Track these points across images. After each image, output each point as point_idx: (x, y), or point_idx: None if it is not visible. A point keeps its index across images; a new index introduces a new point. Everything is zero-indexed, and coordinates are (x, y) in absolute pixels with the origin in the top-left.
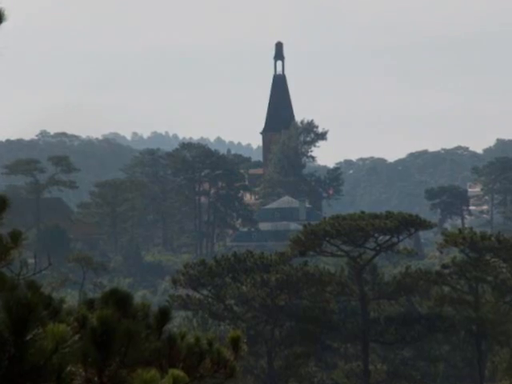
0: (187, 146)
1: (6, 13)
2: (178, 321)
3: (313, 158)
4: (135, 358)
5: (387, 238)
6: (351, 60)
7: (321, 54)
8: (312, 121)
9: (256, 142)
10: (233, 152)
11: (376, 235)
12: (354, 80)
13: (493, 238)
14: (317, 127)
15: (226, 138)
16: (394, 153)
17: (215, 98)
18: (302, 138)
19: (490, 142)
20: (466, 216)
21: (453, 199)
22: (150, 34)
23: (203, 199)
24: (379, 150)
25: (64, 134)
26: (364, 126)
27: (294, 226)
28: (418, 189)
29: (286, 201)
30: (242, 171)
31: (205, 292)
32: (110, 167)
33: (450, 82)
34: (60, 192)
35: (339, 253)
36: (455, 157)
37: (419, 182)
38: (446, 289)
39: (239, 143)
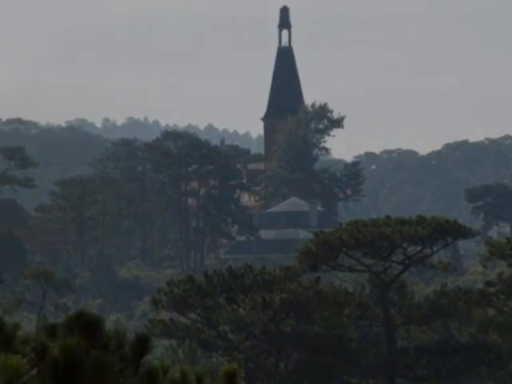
0: (171, 134)
1: None
2: (160, 351)
3: (326, 150)
4: None
5: (418, 248)
6: (371, 29)
7: (335, 22)
8: (325, 104)
9: (256, 130)
10: (227, 143)
11: (404, 245)
12: (377, 54)
13: None
14: (331, 112)
15: (219, 126)
16: (426, 144)
17: (205, 75)
18: (312, 126)
19: None
20: None
21: (499, 201)
22: None
23: (191, 201)
24: (408, 140)
25: (18, 121)
26: (389, 111)
27: (303, 234)
28: (456, 188)
29: (292, 203)
30: (238, 166)
31: (193, 316)
32: (75, 161)
33: (495, 57)
34: (14, 192)
35: (359, 267)
36: (502, 148)
37: (458, 180)
38: (492, 312)
39: (235, 132)
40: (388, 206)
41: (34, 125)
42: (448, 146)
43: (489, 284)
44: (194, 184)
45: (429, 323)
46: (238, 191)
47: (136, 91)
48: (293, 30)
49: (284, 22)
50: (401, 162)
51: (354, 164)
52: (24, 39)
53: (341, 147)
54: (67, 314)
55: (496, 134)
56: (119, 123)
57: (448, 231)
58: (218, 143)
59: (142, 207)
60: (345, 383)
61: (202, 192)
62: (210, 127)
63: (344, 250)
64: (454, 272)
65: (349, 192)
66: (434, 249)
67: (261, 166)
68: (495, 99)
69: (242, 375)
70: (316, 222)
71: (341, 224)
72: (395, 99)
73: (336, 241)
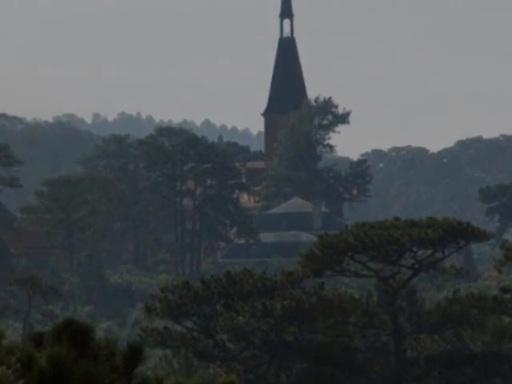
0: (165, 131)
1: None
2: (154, 361)
3: (331, 147)
4: None
5: (429, 252)
6: (380, 20)
7: (341, 10)
8: (330, 98)
9: (256, 126)
10: (225, 139)
11: (414, 249)
12: (385, 46)
13: None
14: (336, 107)
15: (217, 121)
16: (437, 141)
17: (202, 68)
18: (316, 121)
19: None
20: None
21: None
22: None
23: (187, 201)
24: (418, 136)
25: (3, 116)
26: (398, 106)
27: (307, 236)
28: (469, 188)
29: (295, 204)
30: (237, 165)
31: (189, 324)
32: (63, 159)
33: (510, 50)
34: None
35: (366, 272)
36: None
37: (471, 179)
38: (507, 319)
39: (234, 128)
40: (397, 206)
41: (20, 120)
42: (461, 143)
43: (504, 290)
44: (190, 183)
45: (440, 332)
46: (236, 191)
47: (128, 85)
48: (295, 19)
49: (286, 10)
50: (410, 160)
51: (361, 162)
52: (8, 29)
53: (346, 144)
54: (55, 322)
55: None
56: (110, 119)
57: (461, 234)
58: (216, 140)
59: (134, 208)
60: None
61: (198, 192)
62: (206, 123)
63: (350, 253)
64: (466, 277)
65: (355, 192)
66: (446, 252)
67: (261, 164)
68: (511, 93)
69: None
70: (320, 224)
71: (346, 226)
72: (404, 93)
73: (341, 244)
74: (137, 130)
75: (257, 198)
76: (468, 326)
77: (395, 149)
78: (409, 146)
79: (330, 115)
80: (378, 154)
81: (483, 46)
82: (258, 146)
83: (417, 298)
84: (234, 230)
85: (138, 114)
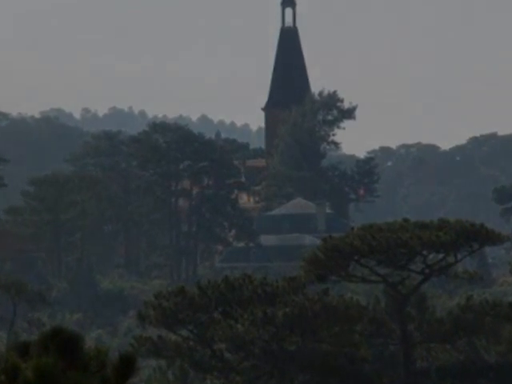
0: (159, 127)
1: None
2: (147, 373)
3: (336, 144)
4: None
5: (440, 256)
6: (389, 8)
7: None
8: (335, 92)
9: (256, 121)
10: (223, 136)
11: (425, 253)
12: (393, 36)
13: None
14: (341, 101)
15: (214, 117)
16: (449, 137)
17: (198, 60)
18: (320, 117)
19: None
20: None
21: None
22: None
23: (182, 202)
24: (429, 133)
25: None
26: (407, 100)
27: (310, 239)
28: (483, 187)
29: (298, 204)
30: (236, 163)
31: (184, 333)
32: (51, 157)
33: None
34: None
35: (373, 278)
36: None
37: (485, 178)
38: None
39: (232, 123)
40: (406, 207)
41: (4, 116)
42: (474, 140)
43: None
44: (186, 183)
45: (452, 341)
46: (235, 191)
47: (120, 78)
48: (298, 8)
49: None
50: (420, 158)
51: (368, 160)
52: None
53: (352, 141)
54: (41, 330)
55: None
56: (101, 114)
57: (474, 236)
58: (213, 136)
59: (126, 209)
60: None
61: (194, 192)
62: (203, 118)
63: (356, 257)
64: (480, 283)
65: (361, 192)
66: (459, 256)
67: (261, 162)
68: None
69: None
70: (324, 226)
71: (352, 228)
72: (414, 87)
73: (347, 247)
74: (129, 125)
75: (257, 199)
76: (482, 334)
77: (404, 146)
78: (419, 143)
79: (335, 110)
80: (386, 151)
81: (498, 38)
82: (258, 142)
83: (427, 305)
84: (233, 232)
85: (130, 108)
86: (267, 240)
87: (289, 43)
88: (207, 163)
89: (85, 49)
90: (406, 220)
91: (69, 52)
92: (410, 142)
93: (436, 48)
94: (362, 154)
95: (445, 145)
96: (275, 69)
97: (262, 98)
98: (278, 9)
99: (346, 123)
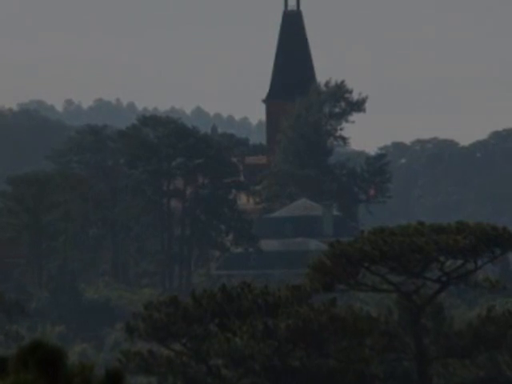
0: (150, 120)
1: None
2: None
3: (344, 139)
4: None
5: (459, 263)
6: None
7: None
8: (343, 82)
9: (256, 114)
10: (221, 130)
11: (442, 259)
12: (407, 21)
13: None
14: (350, 92)
15: (211, 110)
16: (469, 132)
17: (192, 47)
18: (327, 110)
19: None
20: None
21: None
22: None
23: (175, 203)
24: (446, 127)
25: None
26: (422, 92)
27: (315, 244)
28: (506, 187)
29: (302, 206)
30: (234, 160)
31: (177, 347)
32: (30, 153)
33: None
34: None
35: (385, 286)
36: None
37: (508, 177)
38: None
39: (230, 117)
40: (421, 209)
41: None
42: (496, 135)
43: None
44: (179, 182)
45: (472, 356)
46: (233, 191)
47: (106, 67)
48: None
49: None
50: (437, 155)
51: (379, 157)
52: None
53: (362, 136)
54: (20, 344)
55: None
56: (85, 106)
57: (496, 241)
58: (209, 131)
59: (113, 211)
60: None
61: (188, 192)
62: (198, 111)
63: (366, 264)
64: (503, 292)
65: (372, 192)
66: (479, 263)
67: (262, 159)
68: None
69: None
70: (331, 230)
71: (362, 232)
72: (430, 77)
73: (356, 253)
74: (116, 119)
75: (257, 199)
76: (504, 349)
77: (419, 141)
78: (435, 139)
79: (343, 102)
80: (399, 147)
81: None
82: (259, 137)
83: (444, 316)
84: (231, 236)
85: (118, 100)
86: (268, 245)
87: (292, 28)
88: (202, 160)
89: (69, 35)
90: (420, 223)
91: (51, 39)
92: (425, 137)
93: (453, 34)
94: (372, 150)
95: (464, 140)
96: (277, 56)
97: (263, 88)
98: None
99: (355, 116)
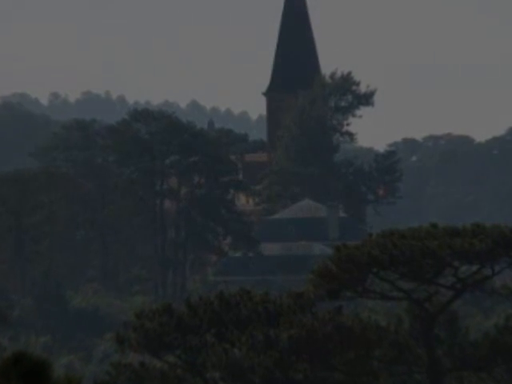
0: (141, 115)
1: None
2: None
3: (351, 135)
4: None
5: (474, 268)
6: None
7: None
8: (350, 73)
9: (257, 108)
10: (218, 125)
11: (456, 264)
12: (419, 8)
13: None
14: (357, 84)
15: (207, 103)
16: (485, 127)
17: (188, 35)
18: (332, 103)
19: None
20: None
21: None
22: None
23: (169, 204)
24: (461, 122)
25: None
26: (435, 84)
27: (320, 248)
28: None
29: (305, 207)
30: (233, 157)
31: (171, 359)
32: (12, 150)
33: None
34: None
35: (395, 293)
36: None
37: None
38: None
39: (228, 111)
40: (434, 210)
41: None
42: None
43: None
44: (173, 181)
45: (488, 368)
46: (231, 191)
47: (94, 57)
48: None
49: None
50: (451, 152)
51: (389, 154)
52: None
53: (370, 132)
54: (2, 355)
55: None
56: (72, 100)
57: None
58: (205, 126)
59: (102, 213)
60: None
61: (183, 192)
62: (194, 105)
63: (374, 270)
64: None
65: (381, 192)
66: (496, 268)
67: (262, 156)
68: None
69: None
70: (337, 233)
71: (370, 235)
72: (443, 68)
73: (364, 258)
74: (106, 113)
75: (257, 200)
76: None
77: (432, 137)
78: (449, 135)
79: (350, 95)
80: (410, 144)
81: None
82: (259, 133)
83: (459, 325)
84: (229, 240)
85: (107, 93)
86: (269, 249)
87: (295, 14)
88: (198, 158)
89: (53, 22)
90: (433, 225)
91: (34, 26)
92: (438, 132)
93: (467, 21)
94: (381, 146)
95: (480, 136)
96: (279, 45)
97: (263, 80)
98: None
99: (362, 110)
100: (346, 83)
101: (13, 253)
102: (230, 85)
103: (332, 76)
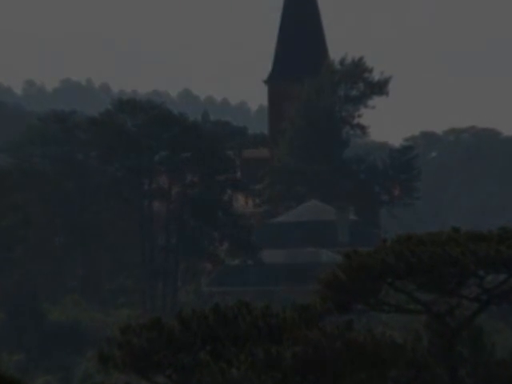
0: (127, 105)
1: None
2: None
3: (363, 128)
4: None
5: (502, 278)
6: None
7: None
8: (362, 59)
9: (257, 98)
10: (213, 117)
11: (481, 273)
12: None
13: None
14: (370, 71)
15: (201, 93)
16: None
17: (179, 17)
18: (342, 92)
19: None
20: None
21: None
22: None
23: (158, 205)
24: (486, 114)
25: None
26: (457, 71)
27: (328, 255)
28: None
29: (312, 208)
30: (230, 153)
31: (161, 379)
32: None
33: None
34: None
35: (412, 306)
36: None
37: None
38: None
39: (225, 101)
40: (456, 212)
41: None
42: None
43: None
44: (163, 180)
45: None
46: (228, 191)
47: (74, 41)
48: None
49: None
50: (475, 147)
51: (405, 150)
52: None
53: (385, 125)
54: None
55: None
56: (49, 88)
57: None
58: (199, 118)
59: (83, 215)
60: None
61: (174, 192)
62: (186, 94)
63: (389, 280)
64: None
65: (397, 192)
66: None
67: (263, 152)
68: None
69: None
70: (347, 238)
71: (384, 241)
72: (466, 53)
73: (377, 266)
74: (87, 103)
75: (257, 201)
76: None
77: (454, 131)
78: (473, 128)
79: (362, 83)
80: (429, 138)
81: None
82: (259, 126)
83: (484, 342)
84: (226, 245)
85: (89, 81)
86: (271, 256)
87: None
88: (191, 154)
89: (30, 4)
90: (455, 230)
91: (7, 7)
92: (461, 125)
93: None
94: (397, 141)
95: (507, 129)
96: (281, 29)
97: (264, 67)
98: None
99: (375, 100)
100: (357, 70)
101: None
102: (227, 71)
103: (341, 62)
